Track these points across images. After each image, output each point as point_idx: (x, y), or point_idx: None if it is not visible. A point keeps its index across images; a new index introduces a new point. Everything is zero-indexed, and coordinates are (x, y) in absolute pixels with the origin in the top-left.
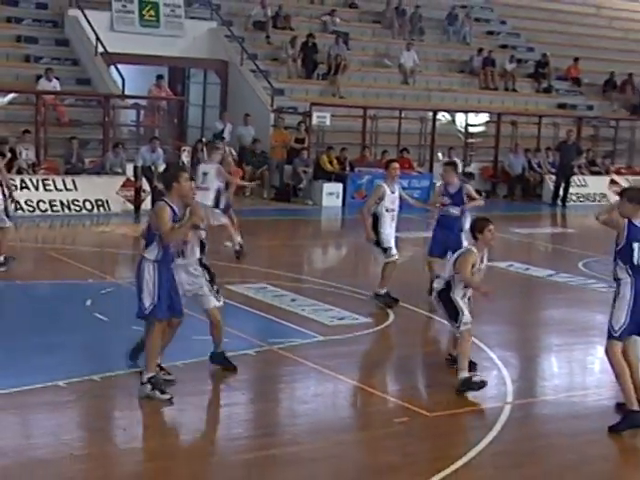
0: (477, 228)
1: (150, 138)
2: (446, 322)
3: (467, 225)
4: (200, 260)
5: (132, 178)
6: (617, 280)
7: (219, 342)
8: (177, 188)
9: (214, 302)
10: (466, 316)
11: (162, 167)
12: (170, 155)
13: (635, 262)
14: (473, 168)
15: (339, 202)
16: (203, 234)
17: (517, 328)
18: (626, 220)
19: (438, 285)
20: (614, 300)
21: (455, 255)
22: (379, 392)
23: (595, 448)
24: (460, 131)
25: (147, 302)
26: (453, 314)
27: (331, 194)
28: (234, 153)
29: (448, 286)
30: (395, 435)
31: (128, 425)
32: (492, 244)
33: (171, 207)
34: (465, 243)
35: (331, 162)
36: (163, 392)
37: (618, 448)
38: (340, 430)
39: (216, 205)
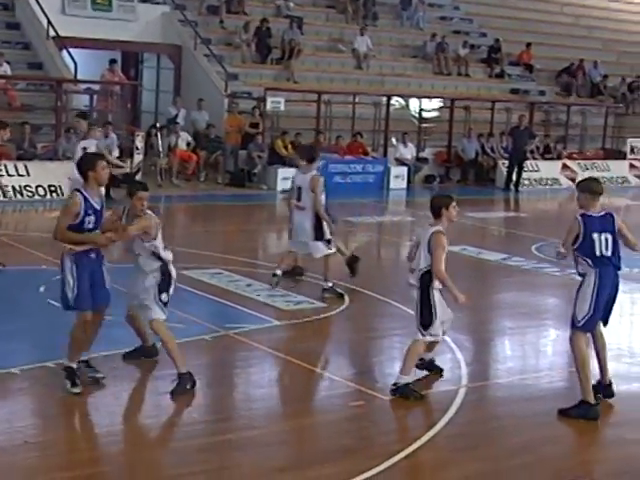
0: (442, 204)
1: (103, 123)
2: (406, 310)
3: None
4: (162, 267)
5: None
6: (581, 275)
7: (175, 362)
8: (93, 176)
9: (157, 314)
10: (435, 327)
11: (115, 152)
12: (124, 140)
13: (597, 253)
14: (427, 153)
15: None
16: (158, 249)
17: (471, 311)
18: (579, 215)
19: (414, 281)
20: (578, 291)
21: (426, 238)
22: (335, 376)
23: (547, 430)
24: (414, 116)
25: (69, 294)
26: (427, 318)
27: (286, 179)
28: (189, 138)
29: (426, 278)
30: (351, 419)
31: (83, 412)
32: (455, 220)
33: (85, 197)
34: None
35: (286, 147)
36: (74, 384)
37: (569, 430)
38: (296, 414)
39: None
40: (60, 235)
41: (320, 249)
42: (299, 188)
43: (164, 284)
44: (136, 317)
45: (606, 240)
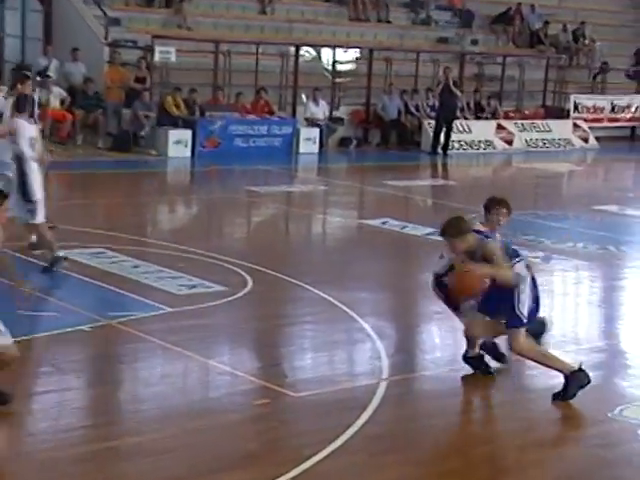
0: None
1: None
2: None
3: None
4: None
5: None
6: (518, 275)
7: None
8: None
9: None
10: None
11: None
12: None
13: (511, 250)
14: (342, 112)
15: (187, 152)
16: None
17: (393, 294)
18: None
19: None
20: (515, 286)
21: None
22: (236, 371)
23: (479, 429)
24: (327, 69)
25: None
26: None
27: (178, 143)
28: (64, 94)
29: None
30: (255, 419)
31: None
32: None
33: None
34: None
35: (178, 105)
36: None
37: (501, 429)
38: (191, 416)
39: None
40: None
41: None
42: None
43: None
44: None
45: None
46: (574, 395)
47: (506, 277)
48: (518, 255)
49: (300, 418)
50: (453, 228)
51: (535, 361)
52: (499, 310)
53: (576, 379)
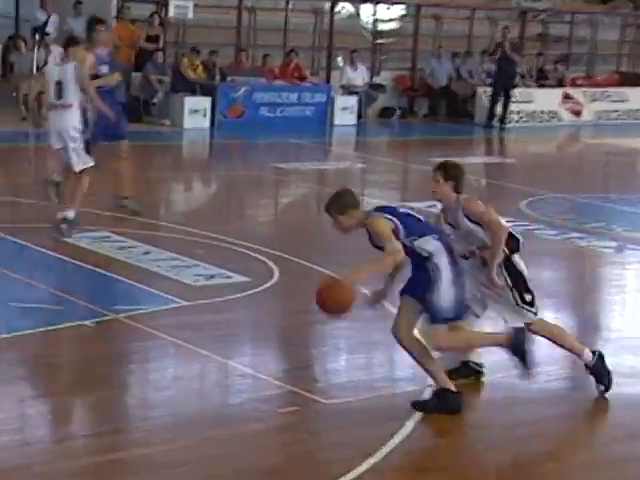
0: None
1: None
2: None
3: None
4: None
5: None
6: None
7: None
8: None
9: None
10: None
11: None
12: None
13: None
14: (383, 78)
15: (206, 122)
16: None
17: None
18: None
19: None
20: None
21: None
22: (259, 373)
23: (540, 444)
24: (367, 28)
25: None
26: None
27: (195, 112)
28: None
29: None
30: (280, 429)
31: None
32: None
33: None
34: None
35: (195, 69)
36: None
37: (564, 444)
38: (208, 424)
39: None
40: None
41: None
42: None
43: None
44: None
45: None
46: (524, 351)
47: (384, 267)
48: (433, 232)
49: (332, 429)
50: (335, 203)
51: (464, 349)
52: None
53: (517, 340)
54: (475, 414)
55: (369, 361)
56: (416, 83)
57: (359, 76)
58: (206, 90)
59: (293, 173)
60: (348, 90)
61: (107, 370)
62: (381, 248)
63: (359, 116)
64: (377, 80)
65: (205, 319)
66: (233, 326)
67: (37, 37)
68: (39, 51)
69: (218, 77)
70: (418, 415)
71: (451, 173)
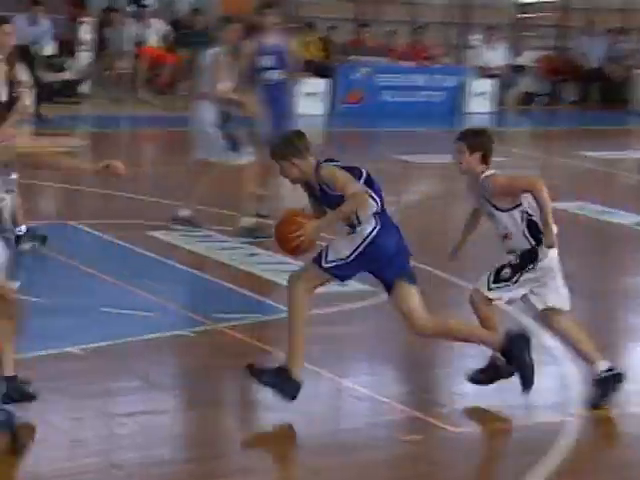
0: None
1: (30, 1)
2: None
3: None
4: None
5: None
6: None
7: None
8: None
9: None
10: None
11: (48, 47)
12: (62, 29)
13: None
14: (526, 59)
15: (321, 108)
16: None
17: (589, 301)
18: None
19: None
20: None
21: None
22: (378, 395)
23: None
24: (507, 1)
25: None
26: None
27: (310, 95)
28: (165, 29)
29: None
30: (401, 460)
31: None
32: None
33: None
34: None
35: (310, 47)
36: None
37: None
38: (319, 452)
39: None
40: None
41: None
42: None
43: None
44: None
45: None
46: (524, 363)
47: (357, 205)
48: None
49: (459, 461)
50: (280, 148)
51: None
52: None
53: (513, 346)
54: (624, 451)
55: (502, 385)
56: (564, 65)
57: (498, 57)
58: (322, 71)
59: (420, 167)
60: (485, 73)
61: (205, 386)
62: (336, 205)
63: (498, 103)
64: (519, 61)
65: (317, 332)
66: (349, 340)
67: (133, 9)
68: (136, 25)
69: (336, 57)
70: (557, 448)
71: (478, 142)
